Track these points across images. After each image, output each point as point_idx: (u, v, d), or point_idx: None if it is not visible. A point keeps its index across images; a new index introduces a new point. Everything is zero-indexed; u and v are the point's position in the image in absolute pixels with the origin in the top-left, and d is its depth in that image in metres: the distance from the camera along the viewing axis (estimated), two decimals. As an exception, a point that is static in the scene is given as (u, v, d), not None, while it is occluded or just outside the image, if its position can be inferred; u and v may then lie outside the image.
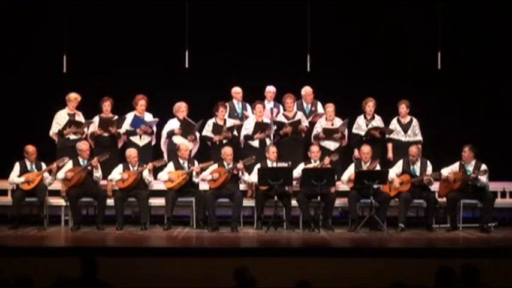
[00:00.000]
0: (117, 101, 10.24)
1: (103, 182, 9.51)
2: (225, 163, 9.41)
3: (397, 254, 7.64)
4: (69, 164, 9.32)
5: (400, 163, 9.41)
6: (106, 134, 10.02)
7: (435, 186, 9.39)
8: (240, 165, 9.33)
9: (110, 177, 9.41)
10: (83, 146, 9.39)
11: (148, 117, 10.20)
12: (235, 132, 10.15)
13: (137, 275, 6.73)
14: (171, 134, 10.12)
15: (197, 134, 10.17)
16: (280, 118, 10.27)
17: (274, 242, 8.47)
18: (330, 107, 10.18)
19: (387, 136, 10.09)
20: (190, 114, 10.25)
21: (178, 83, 11.34)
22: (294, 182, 9.39)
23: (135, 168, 9.36)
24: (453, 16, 11.18)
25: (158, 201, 9.50)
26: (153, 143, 10.30)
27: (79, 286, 5.24)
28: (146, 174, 9.37)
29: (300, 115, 10.26)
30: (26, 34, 11.55)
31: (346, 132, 10.22)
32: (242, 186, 9.64)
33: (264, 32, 11.59)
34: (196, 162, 9.51)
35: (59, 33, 10.92)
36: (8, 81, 11.58)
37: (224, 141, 9.99)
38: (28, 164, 9.32)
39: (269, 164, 9.49)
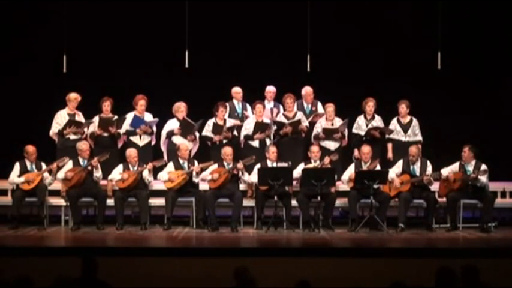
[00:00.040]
0: (117, 101, 10.24)
1: (103, 182, 9.51)
2: (225, 163, 9.40)
3: (397, 254, 7.63)
4: (69, 164, 9.31)
5: (400, 163, 9.41)
6: (106, 134, 10.02)
7: (435, 186, 9.39)
8: (240, 165, 9.33)
9: (110, 177, 9.41)
10: (83, 146, 9.39)
11: (148, 117, 10.20)
12: (235, 132, 10.15)
13: (137, 275, 6.73)
14: (170, 134, 10.12)
15: (197, 134, 10.17)
16: (280, 118, 10.27)
17: (274, 242, 8.47)
18: (330, 107, 10.18)
19: (387, 136, 10.09)
20: (190, 114, 10.25)
21: (178, 83, 11.34)
22: (294, 182, 9.39)
23: (135, 168, 9.36)
24: (453, 16, 11.18)
25: (158, 201, 9.50)
26: (153, 143, 10.30)
27: (79, 286, 5.24)
28: (146, 174, 9.37)
29: (300, 115, 10.26)
30: (26, 34, 11.55)
31: (346, 132, 10.22)
32: (242, 186, 9.64)
33: (264, 32, 11.59)
34: (196, 162, 9.51)
35: (59, 33, 10.93)
36: (8, 81, 11.58)
37: (224, 141, 9.99)
38: (28, 164, 9.32)
39: (269, 164, 9.49)
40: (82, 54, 11.13)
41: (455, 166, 9.25)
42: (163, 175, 9.40)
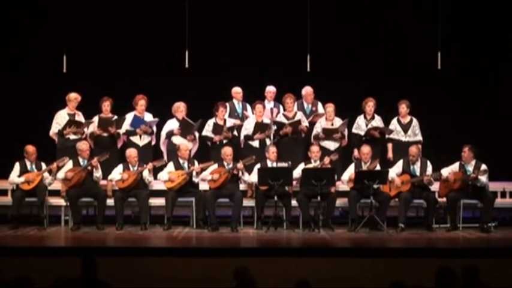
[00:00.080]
0: (117, 101, 10.24)
1: (103, 182, 9.51)
2: (225, 163, 9.40)
3: (397, 254, 7.63)
4: (69, 164, 9.31)
5: (400, 163, 9.41)
6: (105, 134, 10.02)
7: (435, 186, 9.39)
8: (240, 165, 9.33)
9: (110, 177, 9.41)
10: (83, 146, 9.39)
11: (148, 117, 10.20)
12: (235, 132, 10.15)
13: (137, 275, 6.73)
14: (170, 134, 10.12)
15: (196, 134, 10.17)
16: (280, 118, 10.27)
17: (274, 242, 8.46)
18: (330, 107, 10.18)
19: (387, 136, 10.09)
20: (190, 114, 10.25)
21: (178, 83, 11.34)
22: (294, 182, 9.39)
23: (135, 168, 9.36)
24: (453, 16, 11.18)
25: (158, 201, 9.49)
26: (153, 143, 10.30)
27: (79, 286, 5.24)
28: (146, 174, 9.37)
29: (300, 115, 10.26)
30: (26, 34, 11.55)
31: (346, 132, 10.22)
32: (242, 186, 9.64)
33: (264, 32, 11.59)
34: (196, 162, 9.51)
35: (59, 33, 10.92)
36: (8, 81, 11.58)
37: (224, 141, 9.99)
38: (28, 164, 9.32)
39: (269, 164, 9.49)
40: (82, 54, 11.13)
41: (455, 166, 9.25)
42: (163, 175, 9.40)
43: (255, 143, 10.11)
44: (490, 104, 11.55)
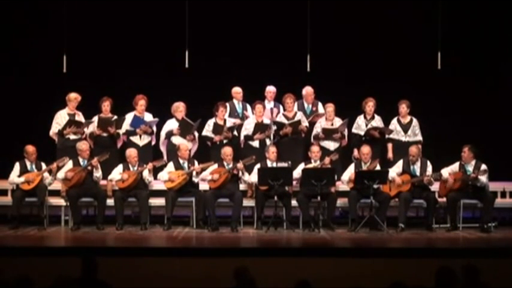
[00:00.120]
0: (117, 101, 10.24)
1: (103, 182, 9.51)
2: (225, 163, 9.40)
3: (397, 254, 7.63)
4: (69, 164, 9.31)
5: (400, 163, 9.41)
6: (105, 134, 10.02)
7: (435, 186, 9.38)
8: (240, 165, 9.33)
9: (110, 177, 9.41)
10: (83, 146, 9.39)
11: (148, 117, 10.20)
12: (235, 132, 10.15)
13: (137, 275, 6.73)
14: (169, 134, 10.12)
15: (196, 134, 10.17)
16: (280, 118, 10.27)
17: (274, 242, 8.46)
18: (330, 107, 10.18)
19: (387, 136, 10.09)
20: (190, 114, 10.25)
21: (178, 83, 11.34)
22: (294, 182, 9.39)
23: (135, 168, 9.36)
24: (453, 16, 11.17)
25: (158, 201, 9.49)
26: (153, 143, 10.30)
27: (79, 286, 5.25)
28: (146, 174, 9.36)
29: (299, 115, 10.26)
30: (26, 34, 11.55)
31: (346, 132, 10.21)
32: (242, 186, 9.64)
33: (264, 32, 11.59)
34: (196, 162, 9.51)
35: (59, 33, 10.92)
36: (8, 81, 11.59)
37: (224, 141, 9.99)
38: (28, 164, 9.32)
39: (269, 164, 9.49)
40: (82, 54, 11.13)
41: (455, 166, 9.25)
42: (163, 175, 9.40)
43: (255, 143, 10.11)
44: (490, 104, 11.55)
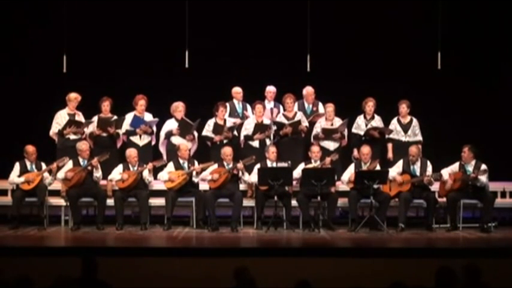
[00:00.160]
0: (117, 101, 10.24)
1: (103, 182, 9.51)
2: (225, 163, 9.40)
3: (397, 254, 7.63)
4: (69, 164, 9.32)
5: (400, 163, 9.41)
6: (105, 134, 10.02)
7: (435, 186, 9.38)
8: (240, 165, 9.33)
9: (110, 177, 9.41)
10: (83, 146, 9.39)
11: (148, 117, 10.20)
12: (235, 132, 10.15)
13: (137, 275, 6.73)
14: (169, 134, 10.12)
15: (195, 134, 10.17)
16: (280, 118, 10.27)
17: (274, 242, 8.46)
18: (330, 107, 10.18)
19: (387, 136, 10.09)
20: (190, 114, 10.25)
21: (178, 83, 11.34)
22: (294, 182, 9.39)
23: (135, 168, 9.36)
24: (453, 16, 11.18)
25: (158, 201, 9.49)
26: (153, 143, 10.30)
27: (79, 286, 5.25)
28: (146, 174, 9.36)
29: (299, 115, 10.26)
30: (26, 34, 11.55)
31: (346, 132, 10.21)
32: (242, 186, 9.64)
33: (264, 32, 11.59)
34: (196, 162, 9.51)
35: (59, 33, 10.92)
36: (8, 81, 11.58)
37: (224, 141, 9.99)
38: (28, 164, 9.32)
39: (269, 164, 9.49)
40: (82, 54, 11.13)
41: (455, 166, 9.25)
42: (163, 175, 9.40)
43: (255, 143, 10.11)
44: (490, 104, 11.55)
